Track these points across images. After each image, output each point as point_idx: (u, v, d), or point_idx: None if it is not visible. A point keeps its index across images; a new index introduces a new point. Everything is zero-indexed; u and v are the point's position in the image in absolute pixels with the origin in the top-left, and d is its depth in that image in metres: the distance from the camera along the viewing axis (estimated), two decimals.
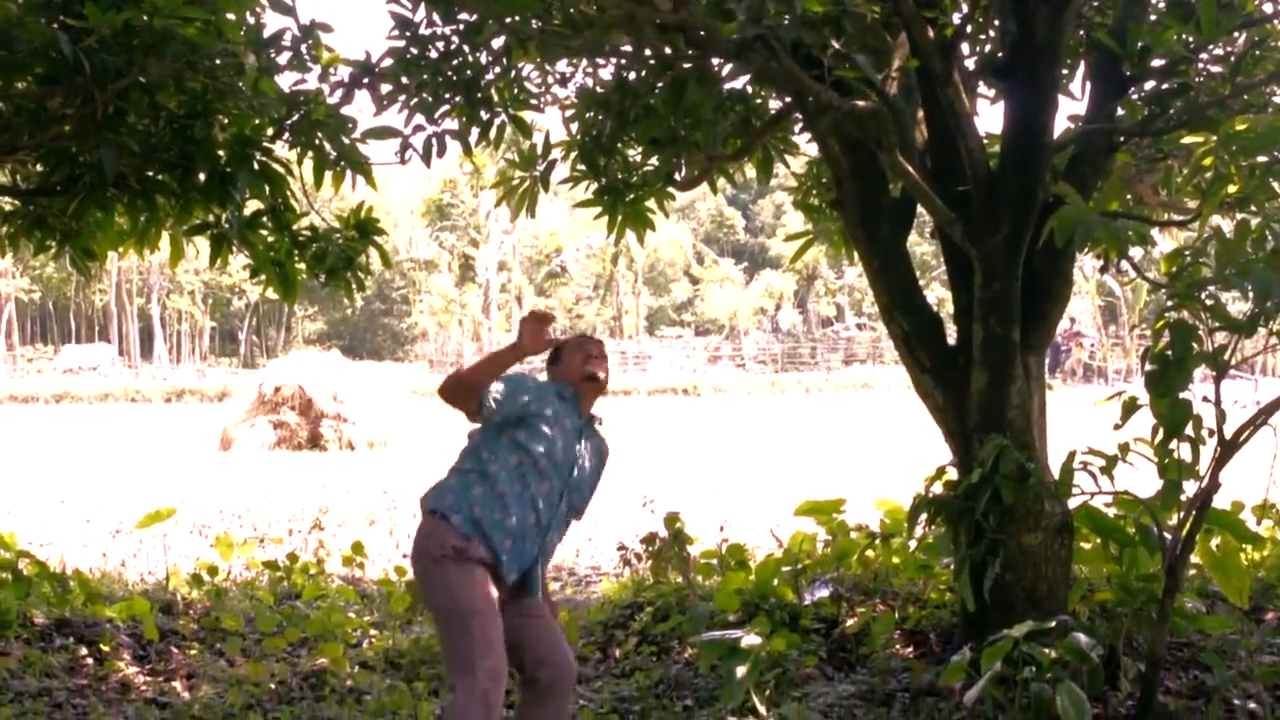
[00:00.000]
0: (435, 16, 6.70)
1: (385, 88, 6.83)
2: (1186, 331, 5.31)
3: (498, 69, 7.12)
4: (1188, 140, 6.66)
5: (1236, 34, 6.65)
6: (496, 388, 4.88)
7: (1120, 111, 6.82)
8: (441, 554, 4.82)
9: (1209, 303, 5.32)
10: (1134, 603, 6.34)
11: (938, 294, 48.37)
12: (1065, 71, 7.17)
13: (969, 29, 7.14)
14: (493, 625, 4.74)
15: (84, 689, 6.91)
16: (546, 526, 4.96)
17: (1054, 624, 5.62)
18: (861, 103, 5.81)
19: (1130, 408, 5.57)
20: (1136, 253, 6.99)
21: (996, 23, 7.05)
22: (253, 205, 6.89)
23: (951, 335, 6.88)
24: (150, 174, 6.58)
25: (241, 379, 51.02)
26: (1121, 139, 6.79)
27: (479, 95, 7.03)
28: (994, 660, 5.43)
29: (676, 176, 7.70)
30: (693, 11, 5.80)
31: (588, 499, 5.24)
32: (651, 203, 7.84)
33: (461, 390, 4.90)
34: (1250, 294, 4.99)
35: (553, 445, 4.95)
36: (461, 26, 6.74)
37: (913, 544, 7.64)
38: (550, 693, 4.95)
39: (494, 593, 4.82)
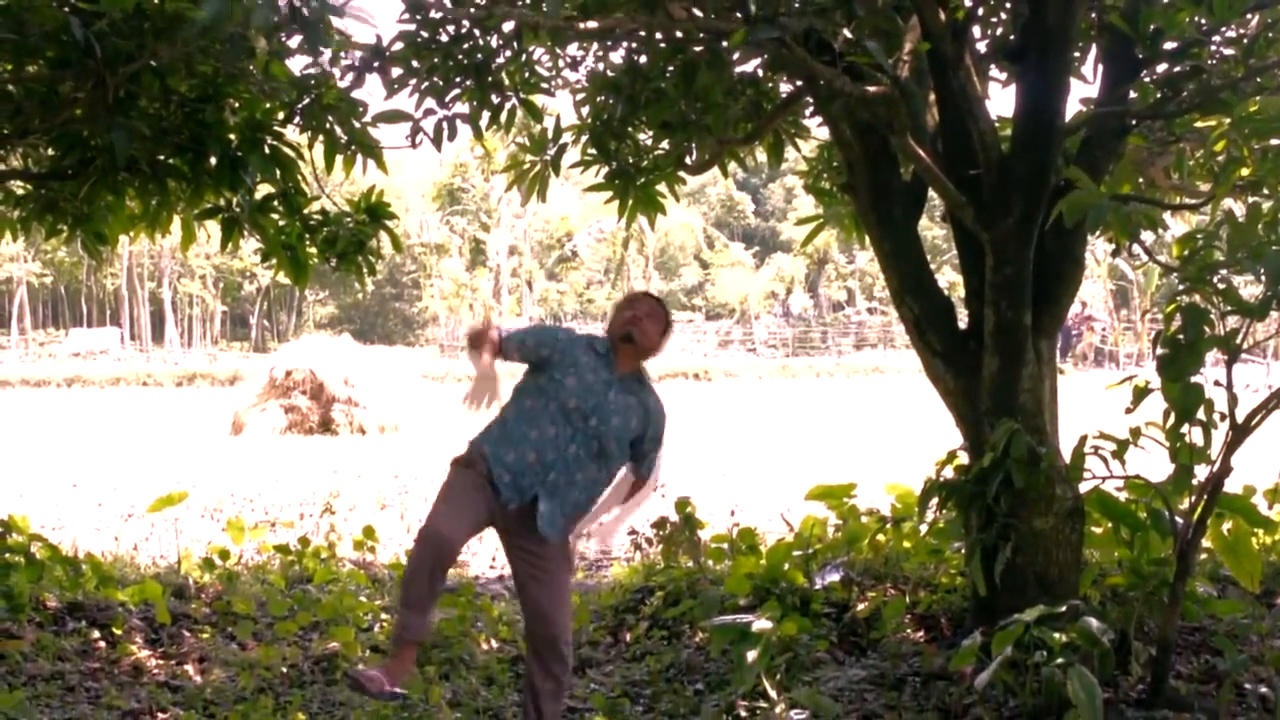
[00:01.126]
0: (446, 0, 6.69)
1: (396, 71, 6.82)
2: (1198, 315, 5.30)
3: (508, 53, 7.11)
4: (1200, 124, 6.65)
5: (1249, 16, 6.62)
6: (519, 338, 5.37)
7: (1132, 94, 6.78)
8: (453, 462, 5.39)
9: (1221, 286, 5.31)
10: (1145, 587, 6.33)
11: (949, 278, 48.36)
12: (1077, 54, 7.14)
13: (980, 12, 7.12)
14: (452, 502, 5.22)
15: (96, 672, 6.93)
16: (549, 467, 5.22)
17: (1065, 608, 5.61)
18: (873, 87, 5.79)
19: (1142, 392, 5.56)
20: (1148, 236, 6.97)
21: (1008, 5, 7.02)
22: (264, 189, 6.89)
23: (963, 319, 6.87)
24: (161, 158, 6.59)
25: (253, 363, 51.14)
26: (1133, 122, 6.77)
27: (490, 79, 7.02)
28: (1005, 645, 5.43)
29: (687, 160, 7.69)
30: (705, 14, 5.79)
31: (619, 454, 5.42)
32: (662, 187, 7.84)
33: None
34: (1262, 277, 4.98)
35: (570, 395, 5.25)
36: (472, 10, 6.73)
37: (924, 528, 7.62)
38: (539, 648, 5.39)
39: (477, 495, 5.22)
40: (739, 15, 5.58)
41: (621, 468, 5.48)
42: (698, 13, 6.12)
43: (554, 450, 5.22)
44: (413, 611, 5.12)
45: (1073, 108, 6.71)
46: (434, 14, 6.70)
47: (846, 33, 5.69)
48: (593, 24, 6.10)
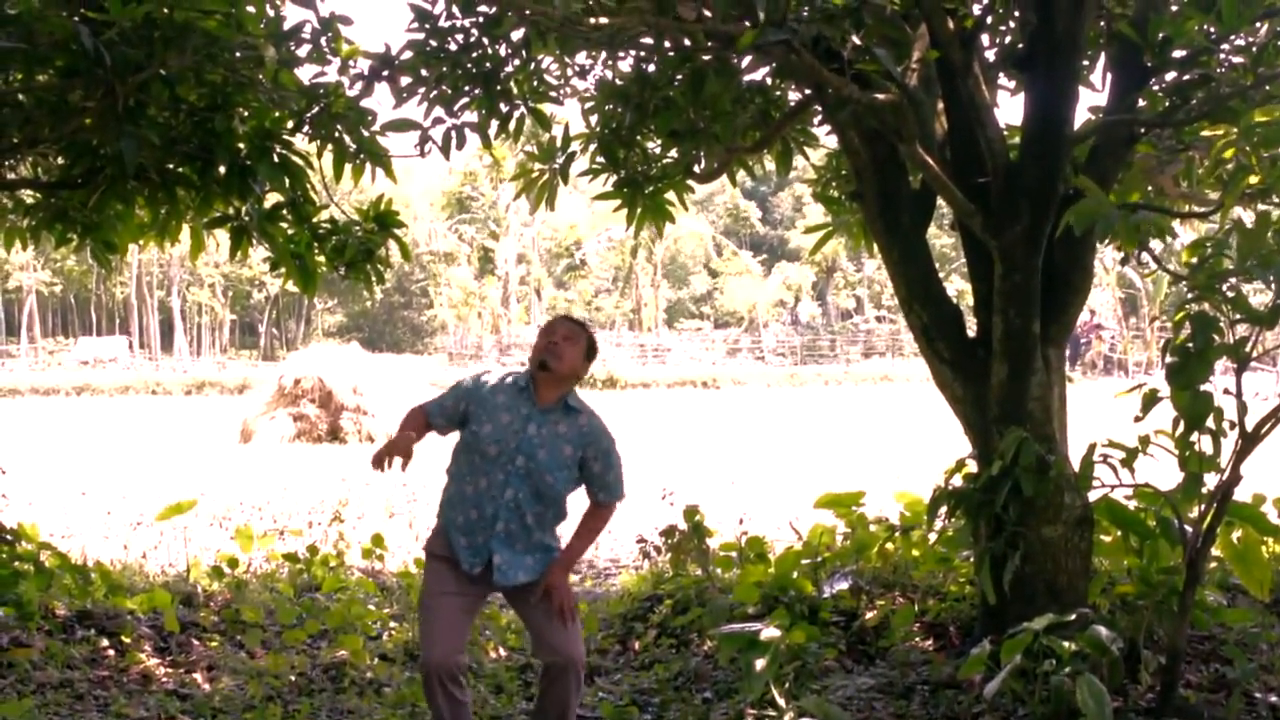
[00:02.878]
0: (455, 9, 6.70)
1: (405, 80, 6.83)
2: (1208, 323, 5.29)
3: (517, 61, 7.12)
4: (1209, 132, 6.64)
5: (1258, 24, 6.62)
6: (437, 405, 5.51)
7: (1141, 103, 6.79)
8: (425, 550, 5.55)
9: (1230, 294, 5.30)
10: (1154, 595, 6.32)
11: (957, 286, 48.27)
12: (1086, 63, 7.14)
13: (989, 20, 7.13)
14: (435, 619, 5.30)
15: (105, 680, 6.93)
16: (494, 518, 5.25)
17: (1074, 617, 5.61)
18: (881, 95, 5.79)
19: (1151, 400, 5.55)
20: (1157, 244, 6.95)
21: (1017, 14, 7.03)
22: (273, 198, 6.90)
23: (971, 327, 6.87)
24: (171, 166, 6.60)
25: (261, 371, 51.16)
26: (1142, 130, 6.77)
27: (498, 88, 7.03)
28: (1014, 653, 5.42)
29: (696, 168, 7.69)
30: (714, 12, 5.79)
31: (562, 484, 5.34)
32: (671, 195, 7.84)
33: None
34: (1272, 285, 4.97)
35: (488, 441, 5.27)
36: (481, 19, 6.74)
37: (932, 536, 7.63)
38: (552, 676, 5.41)
39: (450, 588, 5.32)
40: (747, 23, 5.59)
41: (570, 494, 5.43)
42: (707, 14, 6.12)
43: (491, 502, 5.25)
44: None
45: (1081, 116, 6.72)
46: (442, 22, 6.72)
47: (856, 39, 5.69)
48: (604, 20, 6.09)
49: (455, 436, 5.44)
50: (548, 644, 5.37)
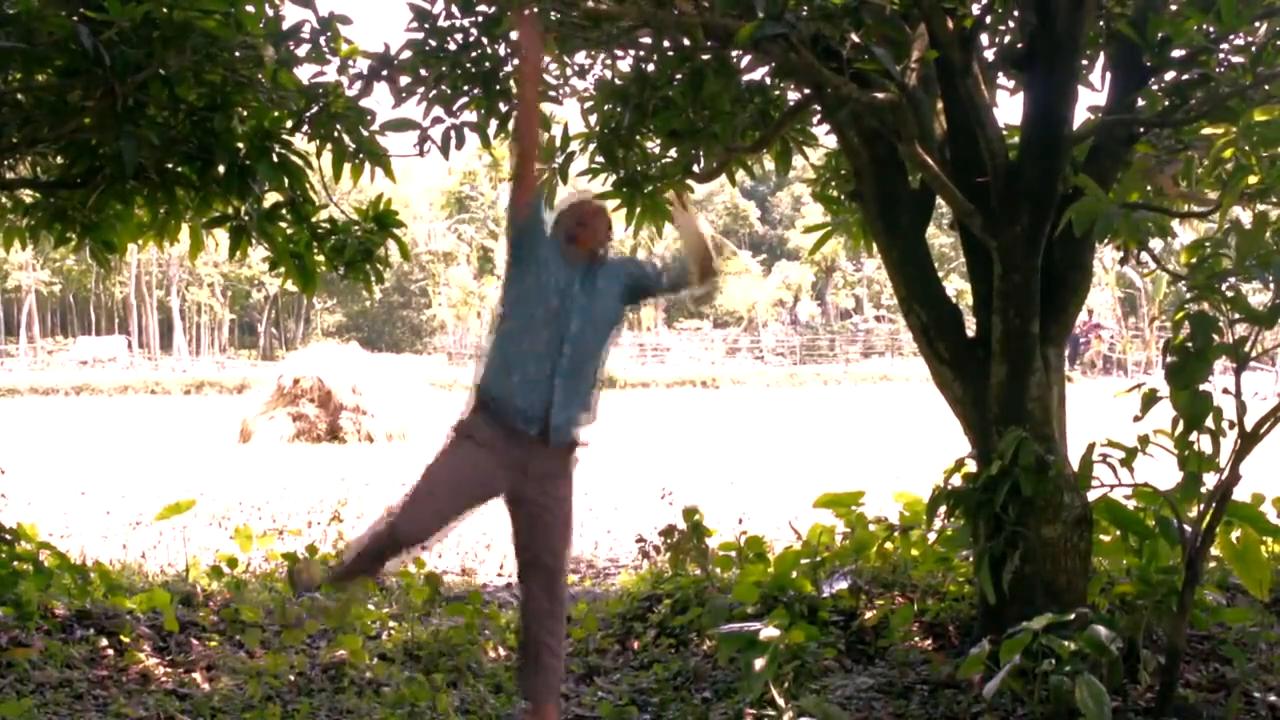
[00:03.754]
0: (454, 8, 6.70)
1: (404, 80, 6.83)
2: (1207, 323, 5.29)
3: (516, 61, 7.12)
4: (1208, 131, 6.64)
5: (1258, 24, 6.62)
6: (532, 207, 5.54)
7: (1140, 102, 6.79)
8: (454, 429, 5.51)
9: (1229, 294, 5.30)
10: (1154, 595, 6.32)
11: (957, 286, 48.23)
12: (1085, 62, 7.14)
13: (988, 20, 7.12)
14: (433, 501, 5.42)
15: (104, 680, 6.93)
16: (553, 374, 5.33)
17: (1073, 616, 5.61)
18: (881, 95, 5.79)
19: (1150, 400, 5.55)
20: (1156, 244, 6.96)
21: (1016, 14, 7.03)
22: (272, 197, 6.90)
23: (970, 327, 6.87)
24: (170, 166, 6.60)
25: (260, 371, 51.14)
26: (1141, 130, 6.77)
27: (498, 87, 7.02)
28: (1013, 653, 5.43)
29: (695, 168, 7.69)
30: (713, 8, 5.79)
31: (605, 331, 5.57)
32: (670, 195, 7.84)
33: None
34: (1271, 285, 4.97)
35: (553, 290, 5.38)
36: (480, 18, 6.73)
37: (932, 536, 7.63)
38: (528, 577, 5.57)
39: (468, 477, 5.41)
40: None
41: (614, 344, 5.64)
42: (705, 3, 6.12)
43: (550, 359, 5.33)
44: (342, 576, 5.52)
45: (1080, 115, 6.72)
46: (442, 22, 6.72)
47: (855, 38, 5.69)
48: (602, 6, 6.08)
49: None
50: (524, 539, 5.52)
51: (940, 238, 58.43)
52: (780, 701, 5.87)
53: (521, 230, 5.52)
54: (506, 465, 5.39)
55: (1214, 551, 6.31)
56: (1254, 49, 6.56)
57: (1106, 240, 6.76)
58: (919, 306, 6.87)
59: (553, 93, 7.46)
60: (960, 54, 6.07)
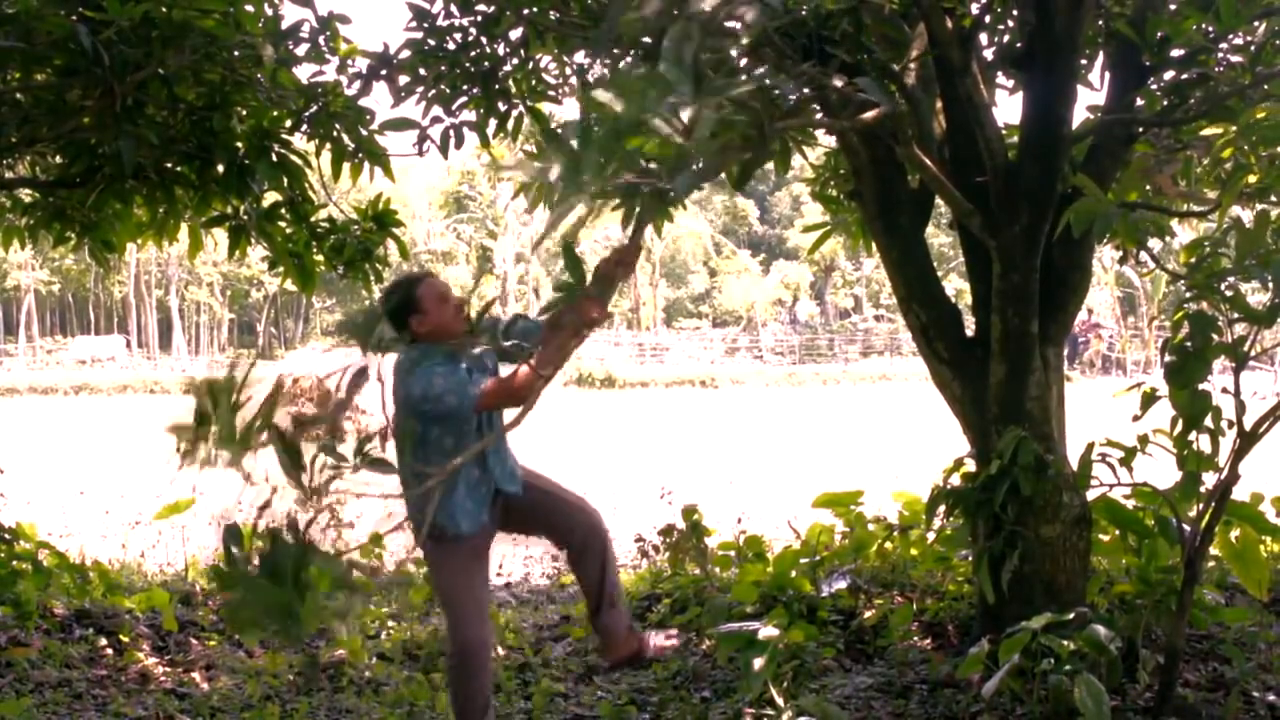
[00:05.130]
0: (453, 8, 6.70)
1: (403, 79, 6.84)
2: (1206, 323, 5.29)
3: (515, 60, 7.12)
4: (1207, 131, 6.64)
5: (1256, 23, 6.62)
6: (451, 403, 5.08)
7: (1139, 102, 6.79)
8: (426, 540, 5.24)
9: (1228, 294, 5.30)
10: (1153, 595, 6.33)
11: (956, 285, 48.23)
12: (1084, 62, 7.13)
13: (987, 19, 7.12)
14: (465, 599, 5.34)
15: (104, 679, 6.93)
16: (490, 466, 5.35)
17: (1072, 616, 5.61)
18: (870, 114, 5.71)
19: (1149, 399, 5.56)
20: (1156, 243, 6.95)
21: (1015, 13, 7.02)
22: (271, 197, 6.90)
23: (970, 327, 6.87)
24: (169, 165, 6.60)
25: (260, 370, 51.05)
26: (1140, 129, 6.77)
27: (497, 87, 7.03)
28: (1012, 652, 5.43)
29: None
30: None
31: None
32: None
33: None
34: (1270, 284, 4.97)
35: (460, 403, 5.07)
36: (479, 18, 6.73)
37: (931, 536, 7.63)
38: (581, 552, 5.55)
39: (463, 564, 5.35)
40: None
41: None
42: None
43: (478, 457, 5.26)
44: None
45: (1080, 115, 6.72)
46: (441, 22, 6.72)
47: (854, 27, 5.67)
48: None
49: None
50: (559, 524, 5.54)
51: (939, 237, 58.39)
52: (779, 701, 5.87)
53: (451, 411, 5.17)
54: (487, 530, 5.45)
55: (1213, 551, 6.32)
56: (1253, 48, 6.56)
57: (1106, 240, 6.76)
58: (918, 306, 6.87)
59: (552, 92, 7.45)
60: (959, 53, 6.07)
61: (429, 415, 5.12)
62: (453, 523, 5.28)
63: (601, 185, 3.31)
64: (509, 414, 4.74)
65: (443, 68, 6.80)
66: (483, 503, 5.35)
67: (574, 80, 7.56)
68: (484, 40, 6.84)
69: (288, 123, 6.53)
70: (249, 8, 5.91)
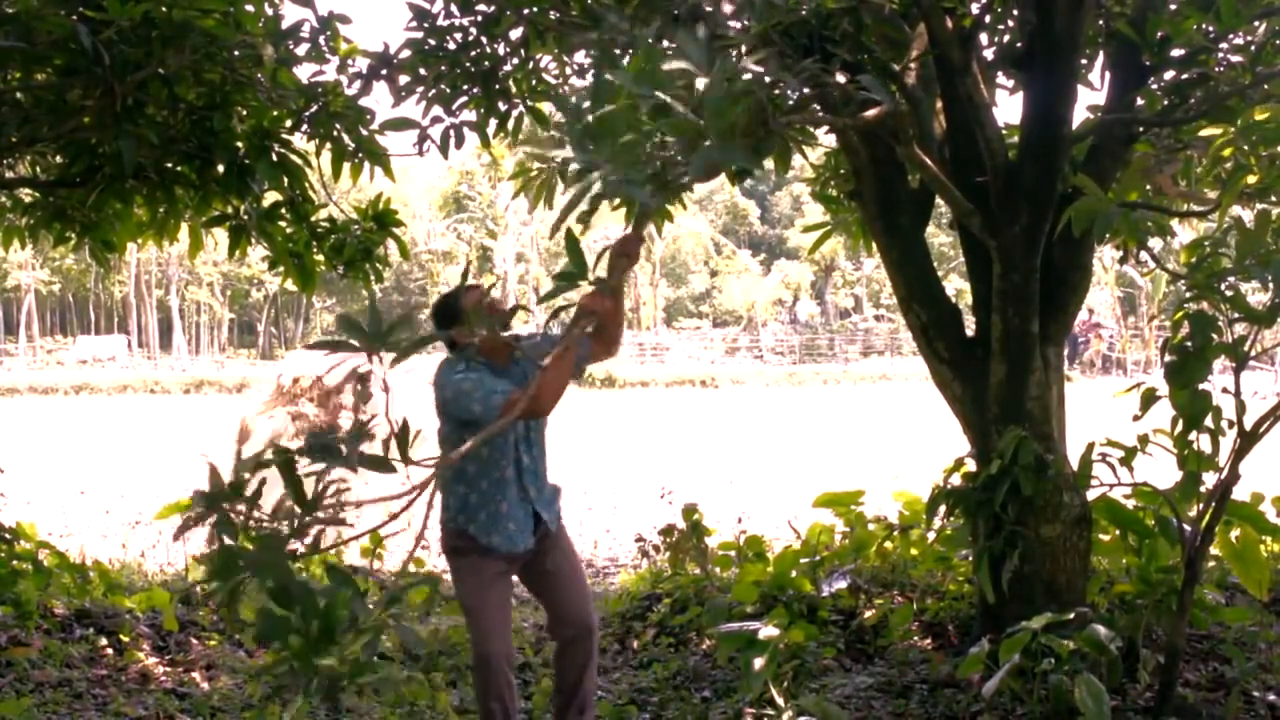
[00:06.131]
0: (453, 8, 6.70)
1: (403, 79, 6.83)
2: (1206, 322, 5.29)
3: (515, 60, 7.12)
4: (1207, 131, 6.64)
5: (1257, 23, 6.62)
6: (475, 410, 5.06)
7: (1139, 102, 6.79)
8: (447, 552, 5.45)
9: (1229, 293, 5.30)
10: (1153, 595, 6.33)
11: (956, 285, 48.22)
12: (1084, 62, 7.13)
13: (988, 19, 7.12)
14: (487, 611, 5.31)
15: (104, 679, 6.93)
16: (521, 481, 5.34)
17: (1072, 616, 5.61)
18: (872, 112, 5.71)
19: (1149, 399, 5.56)
20: (1156, 243, 6.96)
21: (1015, 13, 7.02)
22: (271, 196, 6.90)
23: (970, 326, 6.87)
24: (169, 165, 6.59)
25: (260, 370, 51.08)
26: (1141, 129, 6.77)
27: (497, 86, 7.03)
28: (1012, 652, 5.43)
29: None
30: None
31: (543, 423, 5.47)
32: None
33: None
34: (1270, 284, 4.97)
35: (484, 417, 4.98)
36: (479, 18, 6.73)
37: (931, 535, 7.63)
38: (571, 646, 5.48)
39: (489, 577, 5.32)
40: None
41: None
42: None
43: (509, 467, 5.30)
44: None
45: (1080, 115, 6.72)
46: (441, 21, 6.72)
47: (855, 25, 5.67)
48: None
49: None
50: (564, 613, 5.47)
51: (939, 237, 58.44)
52: (779, 700, 5.87)
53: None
54: (519, 556, 5.42)
55: (1213, 551, 6.32)
56: (1253, 48, 6.57)
57: (1106, 240, 6.76)
58: (918, 306, 6.87)
59: (552, 91, 7.45)
60: (959, 53, 6.07)
61: (457, 420, 5.17)
62: (485, 535, 5.31)
63: (615, 162, 3.31)
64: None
65: (443, 67, 6.80)
66: (524, 526, 5.36)
67: (574, 80, 7.56)
68: (484, 40, 6.84)
69: (288, 122, 6.52)
70: (249, 8, 5.90)
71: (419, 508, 3.84)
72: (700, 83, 3.35)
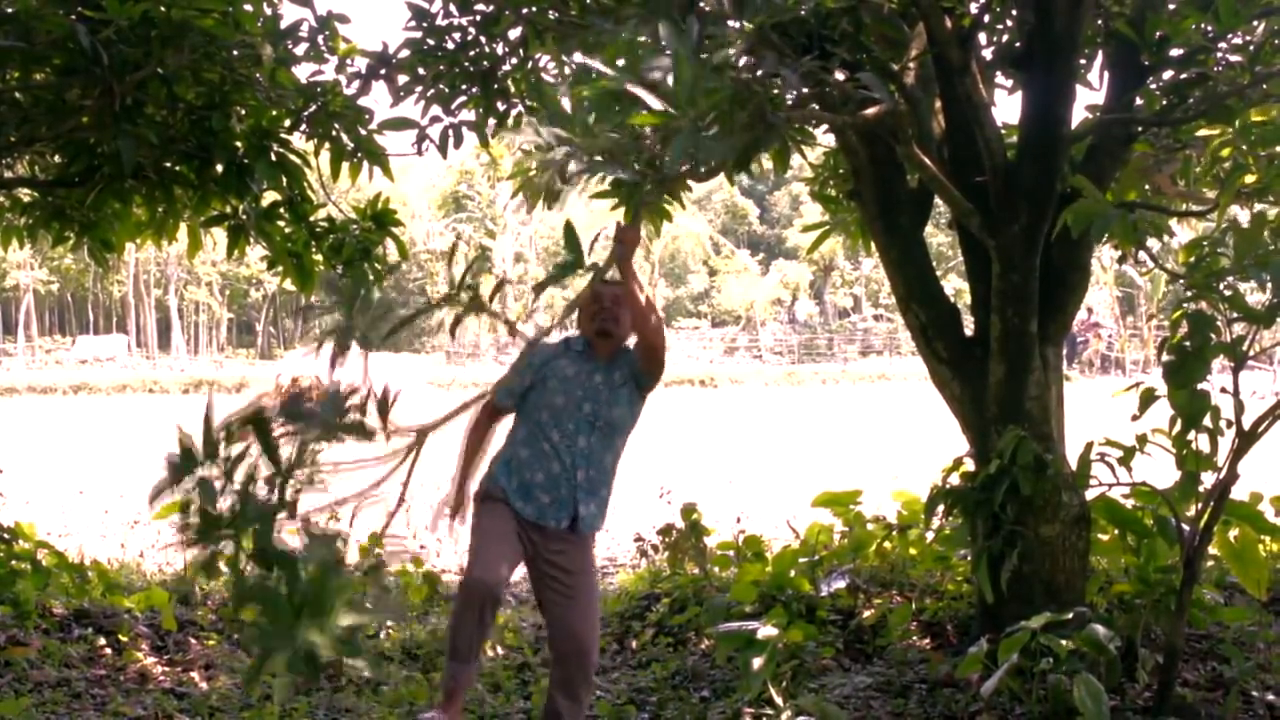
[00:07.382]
0: (452, 7, 6.71)
1: (402, 79, 6.84)
2: (1205, 322, 5.29)
3: (514, 60, 7.12)
4: (1206, 130, 6.64)
5: (1255, 23, 6.62)
6: (504, 391, 5.45)
7: (1138, 102, 6.79)
8: (477, 498, 5.49)
9: (1227, 293, 5.31)
10: (1152, 594, 6.33)
11: (955, 285, 48.16)
12: (1083, 61, 7.14)
13: (987, 19, 7.12)
14: (489, 544, 5.30)
15: (103, 679, 6.93)
16: (573, 468, 5.34)
17: (1071, 615, 5.61)
18: (871, 111, 5.72)
19: (1148, 399, 5.56)
20: (1155, 243, 6.96)
21: (1014, 13, 7.02)
22: (270, 196, 6.90)
23: (969, 326, 6.87)
24: (168, 165, 6.60)
25: (259, 370, 51.06)
26: (1139, 129, 6.77)
27: (495, 86, 7.03)
28: (1011, 652, 5.43)
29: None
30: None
31: (625, 421, 5.51)
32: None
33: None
34: (1268, 284, 4.97)
35: (555, 394, 5.37)
36: (478, 17, 6.74)
37: (930, 535, 7.63)
38: (565, 661, 5.42)
39: (508, 526, 5.33)
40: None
41: (631, 430, 5.58)
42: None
43: (568, 453, 5.32)
44: (459, 661, 5.20)
45: (1079, 115, 6.72)
46: (440, 21, 6.72)
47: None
48: None
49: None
50: (566, 629, 5.41)
51: (939, 237, 58.38)
52: (778, 700, 5.87)
53: (519, 389, 5.50)
54: (525, 541, 5.40)
55: (1212, 550, 6.32)
56: (1252, 48, 6.57)
57: (1105, 239, 6.77)
58: (917, 305, 6.87)
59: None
60: (959, 53, 6.07)
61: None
62: (516, 499, 5.35)
63: (592, 147, 3.32)
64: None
65: (441, 67, 6.81)
66: (559, 504, 5.34)
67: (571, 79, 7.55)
68: (483, 40, 6.85)
69: (287, 122, 6.53)
70: (248, 7, 5.91)
71: (416, 508, 3.85)
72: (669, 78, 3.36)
